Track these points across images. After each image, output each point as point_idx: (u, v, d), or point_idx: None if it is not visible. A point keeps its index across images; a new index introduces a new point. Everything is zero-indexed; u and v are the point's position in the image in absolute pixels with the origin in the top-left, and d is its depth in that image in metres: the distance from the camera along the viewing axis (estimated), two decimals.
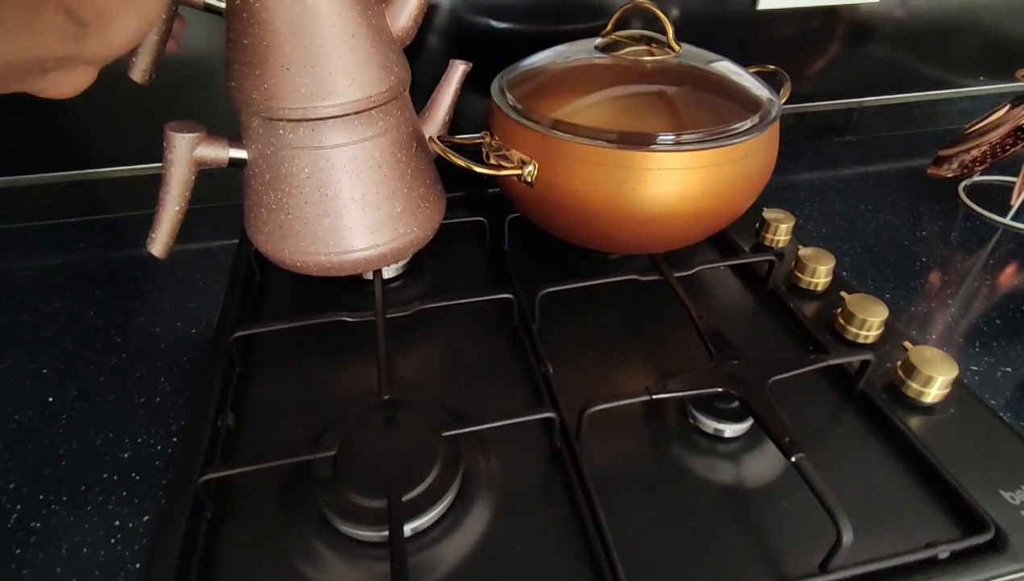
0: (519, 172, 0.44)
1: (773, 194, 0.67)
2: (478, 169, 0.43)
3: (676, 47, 0.47)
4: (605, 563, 0.31)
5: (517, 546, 0.33)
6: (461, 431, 0.35)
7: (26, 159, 0.60)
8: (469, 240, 0.58)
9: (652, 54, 0.47)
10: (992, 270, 0.55)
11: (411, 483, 0.33)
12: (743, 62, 0.51)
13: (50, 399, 0.43)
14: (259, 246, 0.45)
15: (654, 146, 0.42)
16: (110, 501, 0.36)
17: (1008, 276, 0.54)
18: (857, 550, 0.32)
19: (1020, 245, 0.58)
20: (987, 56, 0.78)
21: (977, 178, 0.68)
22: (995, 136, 0.61)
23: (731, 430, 0.38)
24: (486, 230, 0.56)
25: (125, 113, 0.59)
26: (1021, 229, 0.60)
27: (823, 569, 0.31)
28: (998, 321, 0.49)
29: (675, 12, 0.66)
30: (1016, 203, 0.60)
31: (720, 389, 0.37)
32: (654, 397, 0.36)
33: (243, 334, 0.42)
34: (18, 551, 0.33)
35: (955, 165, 0.64)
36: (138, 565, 0.33)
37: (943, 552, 0.32)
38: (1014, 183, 0.60)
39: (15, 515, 0.35)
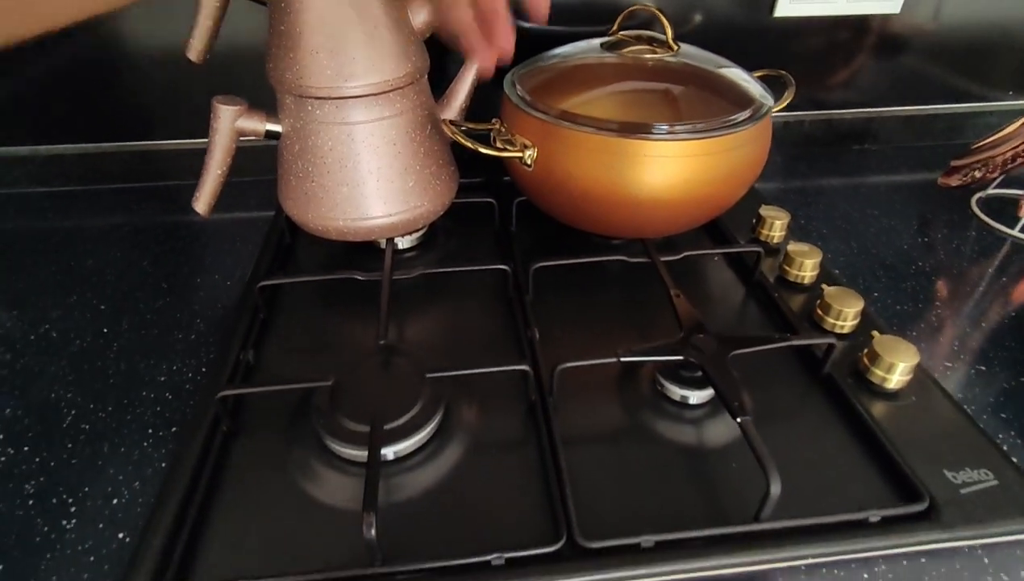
0: (520, 155, 0.49)
1: (780, 195, 0.69)
2: (483, 150, 0.48)
3: (675, 46, 0.51)
4: (559, 502, 0.35)
5: (484, 480, 0.37)
6: (444, 374, 0.40)
7: (98, 130, 0.68)
8: (481, 222, 0.63)
9: (653, 52, 0.51)
10: (990, 278, 0.56)
11: (395, 414, 0.38)
12: (759, 68, 0.54)
13: (104, 330, 0.50)
14: (287, 211, 0.51)
15: (648, 135, 0.45)
16: (147, 413, 0.42)
17: (1004, 285, 0.55)
18: (793, 508, 0.35)
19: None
20: (1018, 71, 0.77)
21: (993, 191, 0.68)
22: (1007, 148, 0.61)
23: (695, 397, 0.41)
24: (495, 212, 0.61)
25: (184, 92, 0.67)
26: None
27: (756, 519, 0.34)
28: (983, 324, 0.50)
29: (697, 18, 0.70)
30: (1023, 216, 0.61)
31: (682, 357, 0.40)
32: (621, 359, 0.40)
33: (267, 284, 0.48)
34: (70, 445, 0.40)
35: (964, 175, 0.64)
36: (163, 464, 0.39)
37: (874, 516, 0.34)
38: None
39: (70, 417, 0.42)
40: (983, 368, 0.46)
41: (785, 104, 0.57)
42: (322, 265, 0.57)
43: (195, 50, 0.49)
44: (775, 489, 0.33)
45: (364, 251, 0.57)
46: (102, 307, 0.52)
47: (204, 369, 0.46)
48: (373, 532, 0.30)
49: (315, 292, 0.52)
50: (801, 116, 0.77)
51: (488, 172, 0.68)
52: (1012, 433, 0.41)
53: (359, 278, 0.49)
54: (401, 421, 0.38)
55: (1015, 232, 0.62)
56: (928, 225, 0.64)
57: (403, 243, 0.58)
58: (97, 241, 0.61)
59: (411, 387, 0.39)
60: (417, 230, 0.57)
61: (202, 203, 0.50)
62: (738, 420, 0.36)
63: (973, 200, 0.67)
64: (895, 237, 0.62)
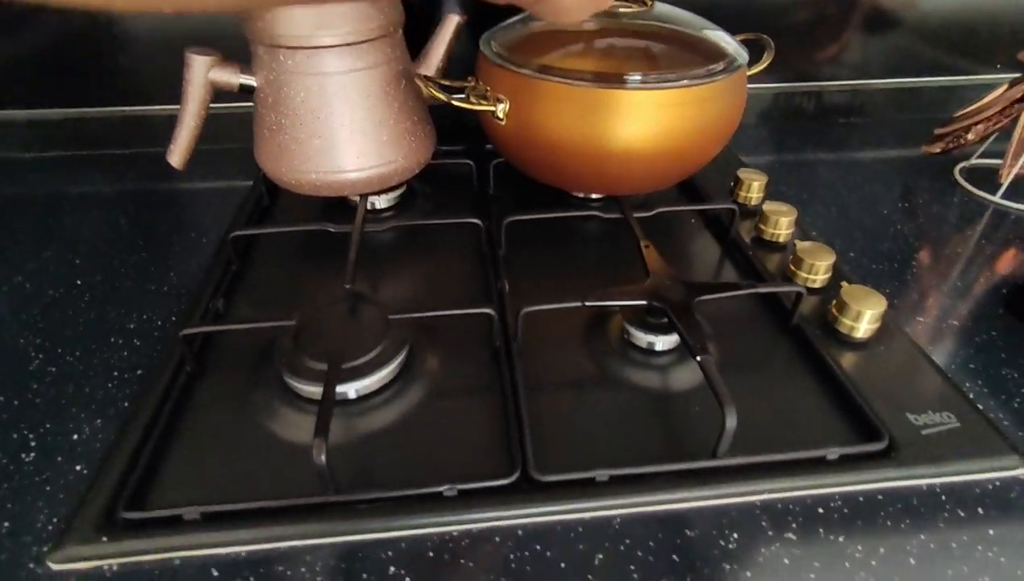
0: (492, 108, 0.49)
1: (763, 166, 0.68)
2: (456, 102, 0.48)
3: (648, 2, 0.51)
4: (516, 439, 0.35)
5: (445, 420, 0.37)
6: (406, 315, 0.40)
7: (83, 95, 0.69)
8: (460, 185, 0.63)
9: (628, 8, 0.51)
10: (968, 241, 0.55)
11: (357, 353, 0.38)
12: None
13: (78, 282, 0.50)
14: (262, 165, 0.51)
15: (620, 84, 0.45)
16: (113, 357, 0.42)
17: (982, 247, 0.55)
18: (753, 447, 0.34)
19: (1006, 221, 0.58)
20: (1007, 43, 0.77)
21: (976, 161, 0.67)
22: (988, 114, 0.61)
23: (661, 342, 0.41)
24: (473, 174, 0.61)
25: (169, 58, 0.66)
26: (1010, 207, 0.60)
27: (713, 455, 0.34)
28: (959, 283, 0.50)
29: None
30: (1005, 181, 0.60)
31: (646, 302, 0.40)
32: (586, 303, 0.40)
33: (240, 234, 0.49)
34: (35, 386, 0.40)
35: (947, 142, 0.64)
36: (126, 404, 0.39)
37: (832, 454, 0.34)
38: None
39: (37, 361, 0.42)
40: (955, 323, 0.46)
41: (764, 66, 0.57)
42: (297, 220, 0.57)
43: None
44: (731, 423, 0.32)
45: (341, 209, 0.57)
46: (77, 261, 0.52)
47: (174, 318, 0.46)
48: (323, 458, 0.30)
49: (288, 245, 0.52)
50: (786, 88, 0.77)
51: (470, 140, 0.67)
52: (979, 382, 0.40)
53: (331, 230, 0.49)
54: (363, 360, 0.38)
55: (997, 198, 0.61)
56: (910, 193, 0.63)
57: (380, 203, 0.58)
58: (77, 204, 0.62)
59: (374, 328, 0.39)
60: (394, 189, 0.57)
61: (176, 156, 0.50)
62: (698, 359, 0.35)
63: (956, 169, 0.67)
64: (876, 203, 0.61)
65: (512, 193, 0.60)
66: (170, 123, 0.50)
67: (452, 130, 0.65)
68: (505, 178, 0.60)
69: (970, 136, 0.62)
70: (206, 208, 0.61)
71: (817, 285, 0.47)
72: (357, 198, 0.54)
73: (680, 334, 0.37)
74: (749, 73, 0.56)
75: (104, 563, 0.30)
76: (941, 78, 0.79)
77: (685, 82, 0.45)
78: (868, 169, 0.68)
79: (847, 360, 0.41)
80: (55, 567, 0.30)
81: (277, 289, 0.48)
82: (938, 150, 0.65)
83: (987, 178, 0.64)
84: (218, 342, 0.43)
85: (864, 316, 0.41)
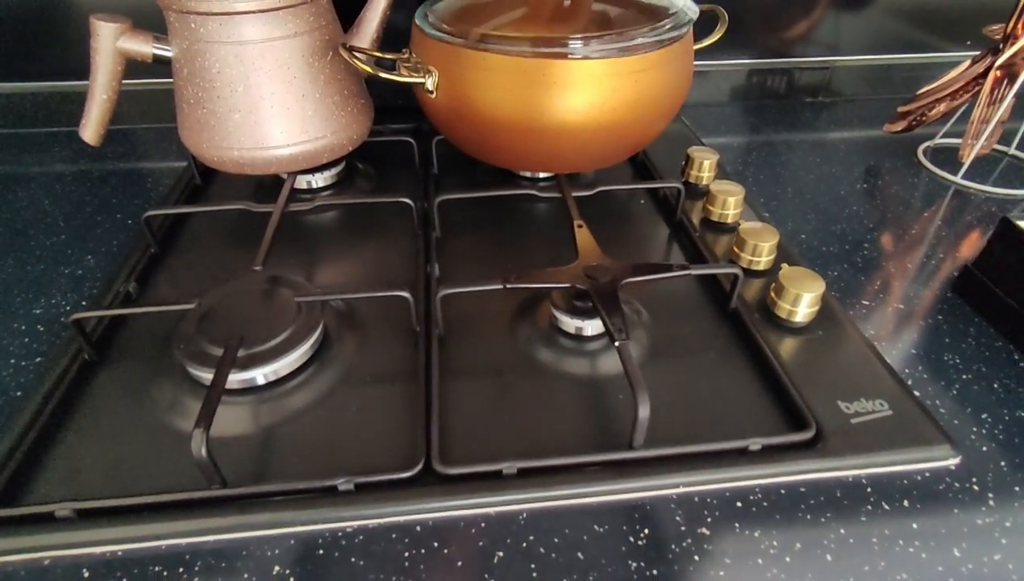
0: (422, 80, 0.46)
1: (724, 145, 0.66)
2: (383, 74, 0.45)
3: None
4: (423, 429, 0.33)
5: (356, 408, 0.35)
6: (315, 298, 0.37)
7: (16, 70, 0.65)
8: (402, 164, 0.60)
9: None
10: (926, 222, 0.54)
11: (261, 338, 0.35)
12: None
13: None
14: (184, 141, 0.49)
15: (558, 54, 0.43)
16: (13, 344, 0.40)
17: (939, 229, 0.53)
18: (676, 438, 0.33)
19: (966, 203, 0.56)
20: (977, 20, 0.74)
21: (939, 141, 0.65)
22: (950, 91, 0.59)
23: (590, 327, 0.39)
24: (415, 153, 0.58)
25: None
26: (970, 187, 0.58)
27: (629, 446, 0.32)
28: (910, 266, 0.48)
29: None
30: (966, 161, 0.58)
31: (569, 284, 0.38)
32: (507, 286, 0.38)
33: (156, 213, 0.46)
34: None
35: (910, 120, 0.62)
36: (19, 393, 0.37)
37: (755, 444, 0.32)
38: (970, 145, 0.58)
39: None
40: (901, 307, 0.44)
41: (716, 38, 0.55)
42: (225, 201, 0.54)
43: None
44: (643, 412, 0.31)
45: (277, 190, 0.55)
46: None
47: (84, 303, 0.44)
48: (204, 451, 0.28)
49: (215, 227, 0.49)
50: (758, 64, 0.74)
51: (418, 119, 0.65)
52: (919, 368, 0.39)
53: (253, 210, 0.47)
54: (270, 344, 0.35)
55: (958, 178, 0.59)
56: (871, 173, 0.61)
57: (318, 181, 0.55)
58: (2, 183, 0.59)
59: (283, 312, 0.37)
60: (331, 167, 0.55)
61: (89, 130, 0.47)
62: (616, 344, 0.33)
63: (919, 150, 0.65)
64: (835, 184, 0.59)
65: (457, 173, 0.58)
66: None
67: (400, 109, 0.63)
68: (450, 158, 0.58)
69: (932, 113, 0.60)
70: (137, 189, 0.58)
71: (761, 267, 0.45)
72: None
73: (601, 317, 0.35)
74: (702, 45, 0.53)
75: None
76: (912, 55, 0.77)
77: (625, 53, 0.43)
78: (832, 149, 0.66)
79: (784, 346, 0.39)
80: None
81: (196, 273, 0.46)
82: (900, 128, 0.63)
83: (951, 159, 0.62)
84: (125, 329, 0.40)
85: (802, 299, 0.39)
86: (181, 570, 0.28)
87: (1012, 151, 0.63)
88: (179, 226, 0.51)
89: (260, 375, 0.36)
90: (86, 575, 0.28)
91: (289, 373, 0.37)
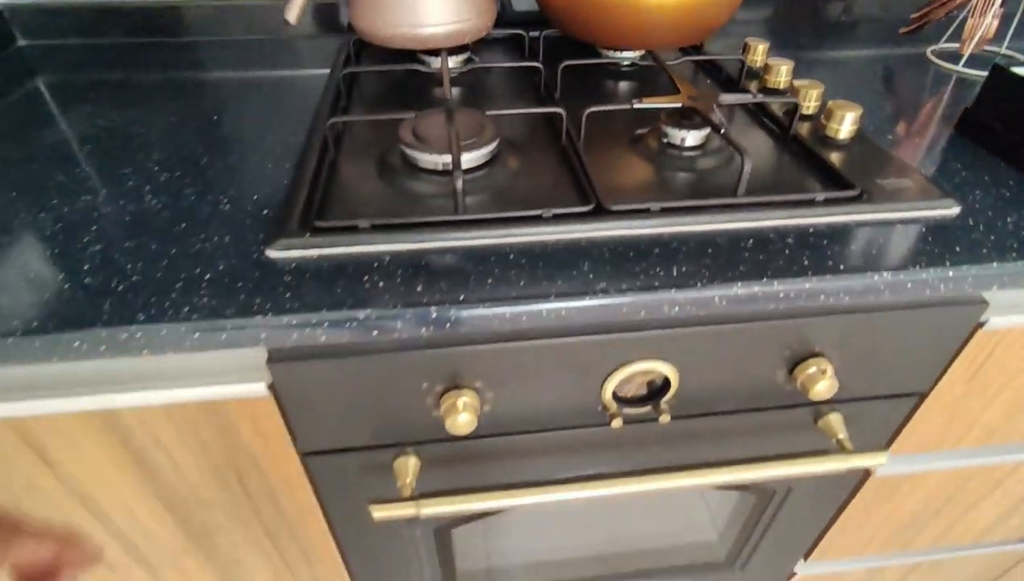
0: None
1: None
2: None
3: None
4: (588, 186, 0.47)
5: (535, 180, 0.50)
6: (499, 112, 0.52)
7: None
8: (515, 55, 0.74)
9: None
10: (932, 96, 0.68)
11: (465, 136, 0.50)
12: None
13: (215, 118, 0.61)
14: (357, 23, 0.63)
15: None
16: (277, 147, 0.54)
17: (941, 98, 0.67)
18: (764, 194, 0.47)
19: (965, 85, 0.71)
20: None
21: (943, 45, 0.79)
22: None
23: (692, 137, 0.53)
24: (525, 43, 0.72)
25: None
26: (970, 73, 0.73)
27: (734, 194, 0.47)
28: (922, 118, 0.62)
29: None
30: (965, 53, 0.73)
31: (680, 104, 0.52)
32: (634, 106, 0.52)
33: (350, 71, 0.60)
34: (234, 157, 0.52)
35: (919, 22, 0.76)
36: (286, 181, 0.51)
37: (820, 196, 0.47)
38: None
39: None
40: (917, 141, 0.58)
41: None
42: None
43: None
44: (748, 166, 0.45)
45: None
46: (214, 118, 0.64)
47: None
48: (460, 183, 0.43)
49: (380, 86, 0.64)
50: None
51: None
52: (932, 168, 0.53)
53: (421, 70, 0.61)
54: (470, 141, 0.50)
55: (959, 68, 0.73)
56: (889, 69, 0.76)
57: (451, 63, 0.69)
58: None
59: (475, 121, 0.51)
60: (460, 53, 0.69)
61: (292, 13, 0.61)
62: (721, 131, 0.48)
63: (928, 51, 0.79)
64: (860, 72, 0.73)
65: (557, 60, 0.72)
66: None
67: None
68: (552, 49, 0.71)
69: (937, 13, 0.74)
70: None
71: (810, 111, 0.59)
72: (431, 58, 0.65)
73: (707, 121, 0.50)
74: None
75: (305, 253, 0.42)
76: None
77: None
78: (854, 60, 0.80)
79: (832, 155, 0.53)
80: (272, 254, 0.42)
81: (386, 110, 0.60)
82: (912, 28, 0.77)
83: (954, 56, 0.76)
84: (348, 137, 0.55)
85: (846, 118, 0.54)
86: (448, 257, 0.42)
87: (1003, 50, 0.78)
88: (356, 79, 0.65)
89: (467, 159, 0.49)
90: (375, 266, 0.42)
91: (483, 162, 0.51)
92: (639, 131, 0.56)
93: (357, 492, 0.54)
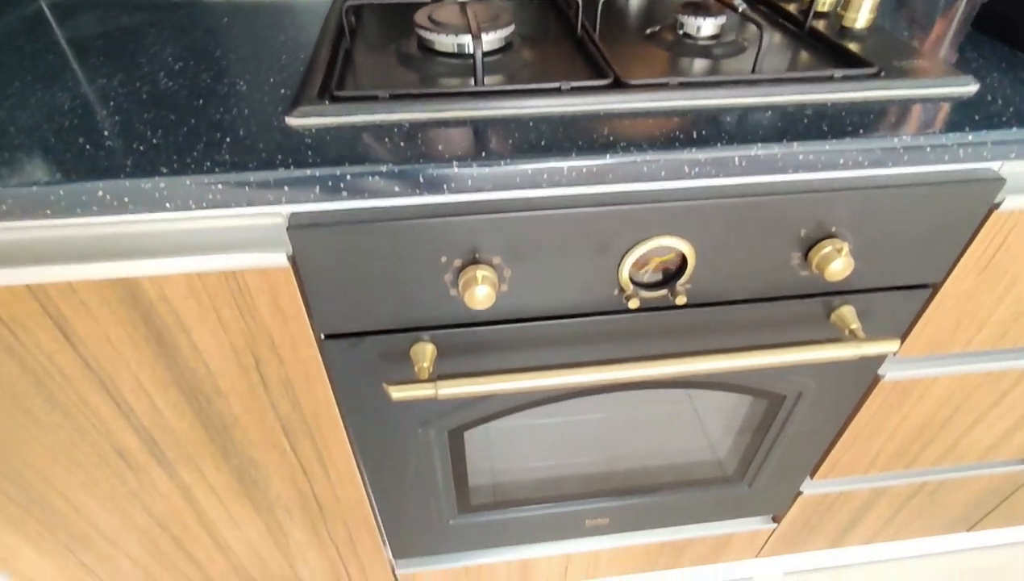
0: None
1: None
2: None
3: None
4: (601, 60, 0.47)
5: (553, 65, 0.49)
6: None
7: None
8: None
9: None
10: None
11: (483, 20, 0.49)
12: None
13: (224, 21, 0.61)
14: None
15: None
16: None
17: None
18: (782, 70, 0.47)
19: None
20: None
21: None
22: None
23: (707, 26, 0.53)
24: None
25: None
26: None
27: (752, 71, 0.46)
28: (942, 17, 0.62)
29: None
30: None
31: None
32: None
33: None
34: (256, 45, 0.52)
35: None
36: (302, 69, 0.51)
37: (838, 74, 0.47)
38: None
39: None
40: (935, 37, 0.58)
41: None
42: None
43: None
44: (767, 38, 0.45)
45: None
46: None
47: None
48: (480, 53, 0.43)
49: None
50: None
51: None
52: (951, 56, 0.53)
53: None
54: (487, 24, 0.49)
55: None
56: None
57: None
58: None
59: (490, 9, 0.51)
60: None
61: None
62: (739, 10, 0.48)
63: None
64: None
65: None
66: None
67: None
68: None
69: None
70: None
71: (826, 8, 0.59)
72: None
73: (726, 3, 0.49)
74: None
75: (325, 120, 0.42)
76: None
77: None
78: None
79: (850, 44, 0.53)
80: (292, 122, 0.42)
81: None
82: None
83: None
84: (362, 29, 0.54)
85: (863, 6, 0.53)
86: (467, 126, 0.42)
87: None
88: None
89: (485, 41, 0.49)
90: (395, 131, 0.42)
91: (498, 48, 0.51)
92: (654, 28, 0.56)
93: (374, 384, 0.54)
